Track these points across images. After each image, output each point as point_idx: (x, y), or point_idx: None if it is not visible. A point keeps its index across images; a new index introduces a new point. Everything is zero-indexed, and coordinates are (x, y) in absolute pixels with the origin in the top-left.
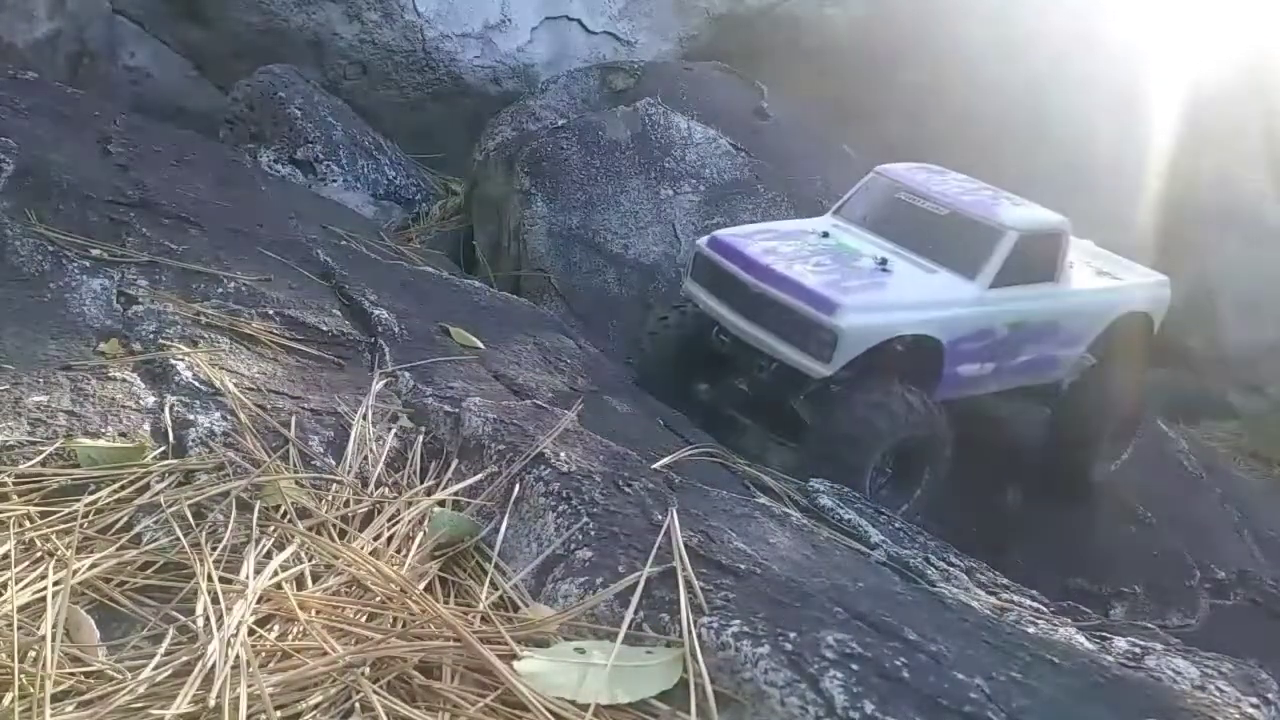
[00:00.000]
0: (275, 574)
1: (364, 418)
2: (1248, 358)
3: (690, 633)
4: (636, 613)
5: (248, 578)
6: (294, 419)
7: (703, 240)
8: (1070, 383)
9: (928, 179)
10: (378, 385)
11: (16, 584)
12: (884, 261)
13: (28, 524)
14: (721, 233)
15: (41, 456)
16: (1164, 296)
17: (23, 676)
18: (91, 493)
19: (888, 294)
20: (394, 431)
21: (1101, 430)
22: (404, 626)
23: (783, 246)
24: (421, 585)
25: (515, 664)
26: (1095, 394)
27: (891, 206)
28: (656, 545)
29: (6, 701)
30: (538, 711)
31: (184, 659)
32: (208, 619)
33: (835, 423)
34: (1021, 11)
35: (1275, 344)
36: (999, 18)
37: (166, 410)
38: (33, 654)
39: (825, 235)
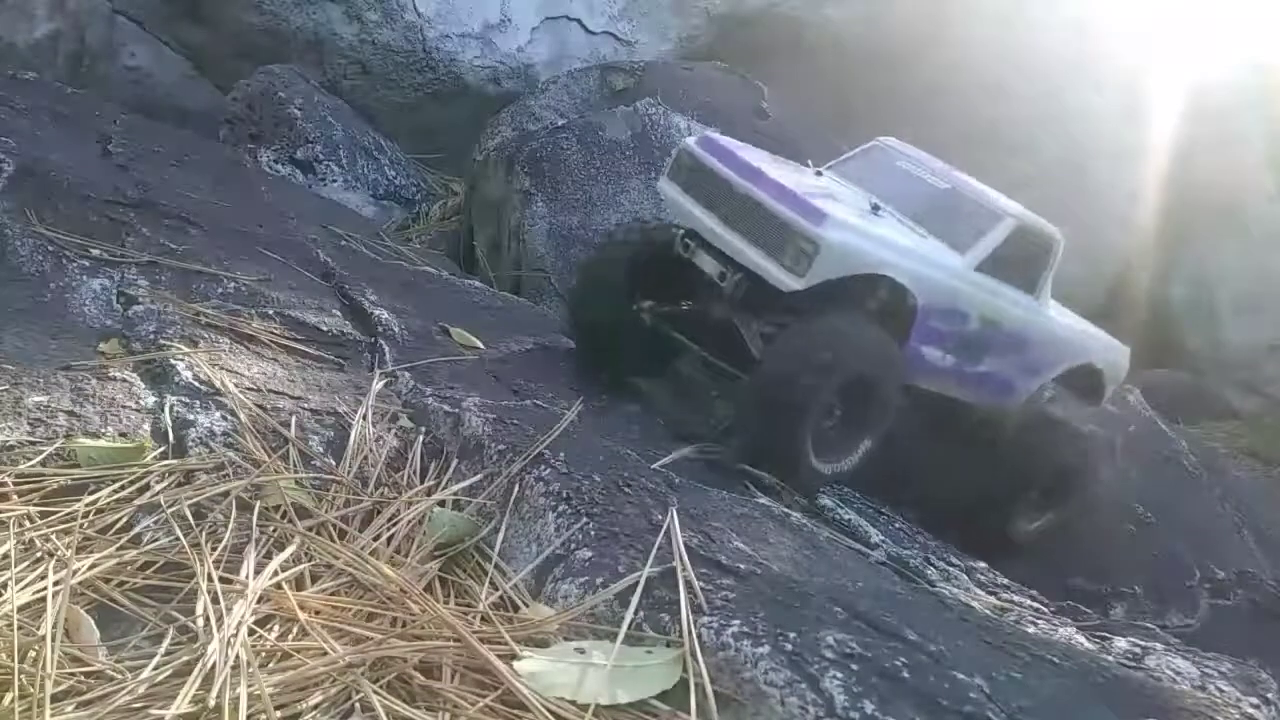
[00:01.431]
0: (275, 574)
1: (364, 418)
2: (1248, 358)
3: (690, 633)
4: (636, 613)
5: (248, 578)
6: (294, 419)
7: (692, 139)
8: (1016, 422)
9: (930, 157)
10: (378, 385)
11: (16, 584)
12: (876, 207)
13: (28, 524)
14: (715, 135)
15: (41, 456)
16: (1122, 364)
17: (23, 676)
18: (91, 493)
19: (876, 229)
20: (394, 431)
21: (1032, 481)
22: (404, 626)
23: (777, 164)
24: (421, 585)
25: (515, 664)
26: (1037, 439)
27: (890, 173)
28: (656, 545)
29: (6, 701)
30: (538, 711)
31: (184, 659)
32: (208, 619)
33: (787, 347)
34: (1023, 13)
35: (1275, 344)
36: (1000, 18)
37: (166, 410)
38: (33, 654)
39: (819, 174)
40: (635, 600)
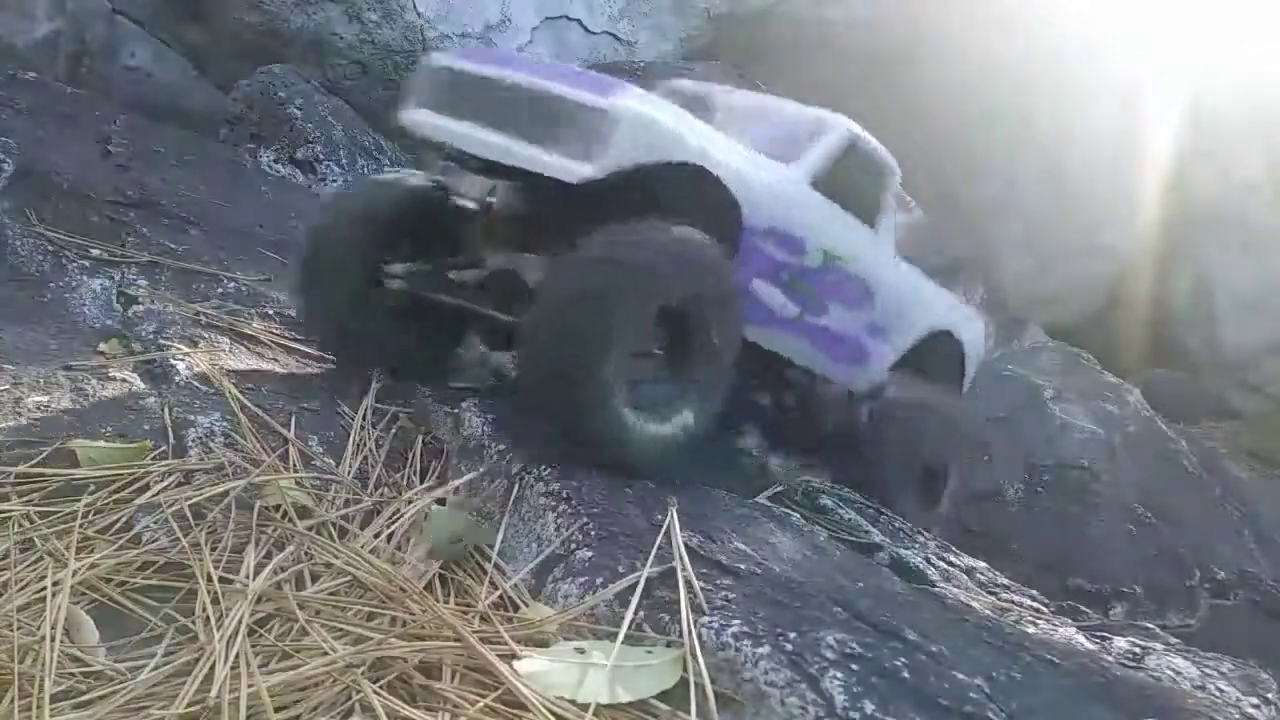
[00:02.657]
0: (275, 574)
1: (364, 418)
2: (1247, 358)
3: (690, 633)
4: (636, 612)
5: (247, 578)
6: (293, 419)
7: (438, 54)
8: (872, 409)
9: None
10: (377, 385)
11: (16, 584)
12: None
13: (27, 524)
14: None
15: (42, 456)
16: (982, 339)
17: (22, 677)
18: (91, 493)
19: (685, 116)
20: (394, 432)
21: (906, 480)
22: (404, 626)
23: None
24: (421, 585)
25: (516, 664)
26: (900, 432)
27: (708, 97)
28: (656, 545)
29: (6, 702)
30: (538, 711)
31: (184, 659)
32: (208, 619)
33: (582, 257)
34: (1023, 15)
35: (1274, 344)
36: (1000, 21)
37: (166, 410)
38: (32, 654)
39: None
40: (635, 600)
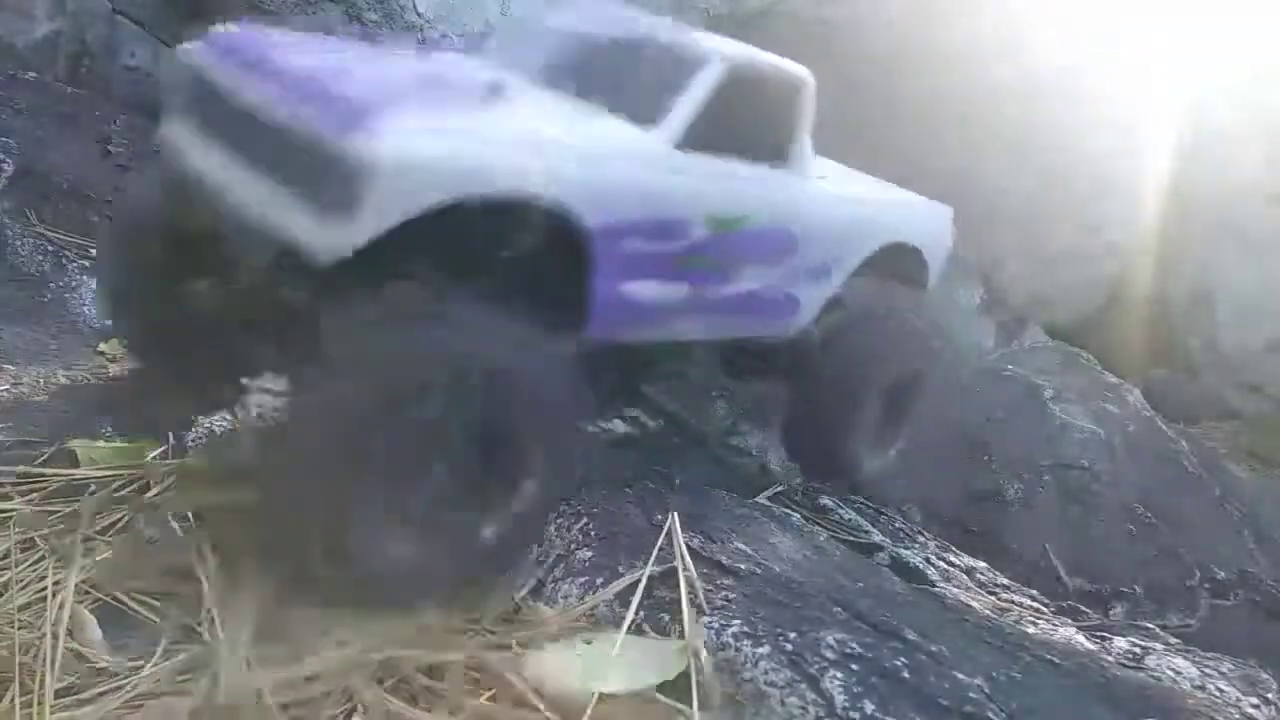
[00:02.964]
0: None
1: None
2: (1248, 358)
3: (690, 628)
4: (637, 612)
5: (248, 578)
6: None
7: (191, 44)
8: (818, 339)
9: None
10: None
11: (18, 583)
12: (498, 86)
13: (28, 524)
14: (238, 27)
15: (43, 457)
16: (943, 232)
17: (24, 672)
18: (91, 493)
19: (485, 119)
20: None
21: (859, 410)
22: (407, 626)
23: (333, 47)
24: None
25: (521, 656)
26: (855, 360)
27: (541, 38)
28: (657, 545)
29: (7, 700)
30: (541, 706)
31: (186, 658)
32: (210, 619)
33: (339, 360)
34: (1024, 16)
35: (1275, 344)
36: (1001, 21)
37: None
38: (34, 651)
39: (422, 52)
40: (636, 600)
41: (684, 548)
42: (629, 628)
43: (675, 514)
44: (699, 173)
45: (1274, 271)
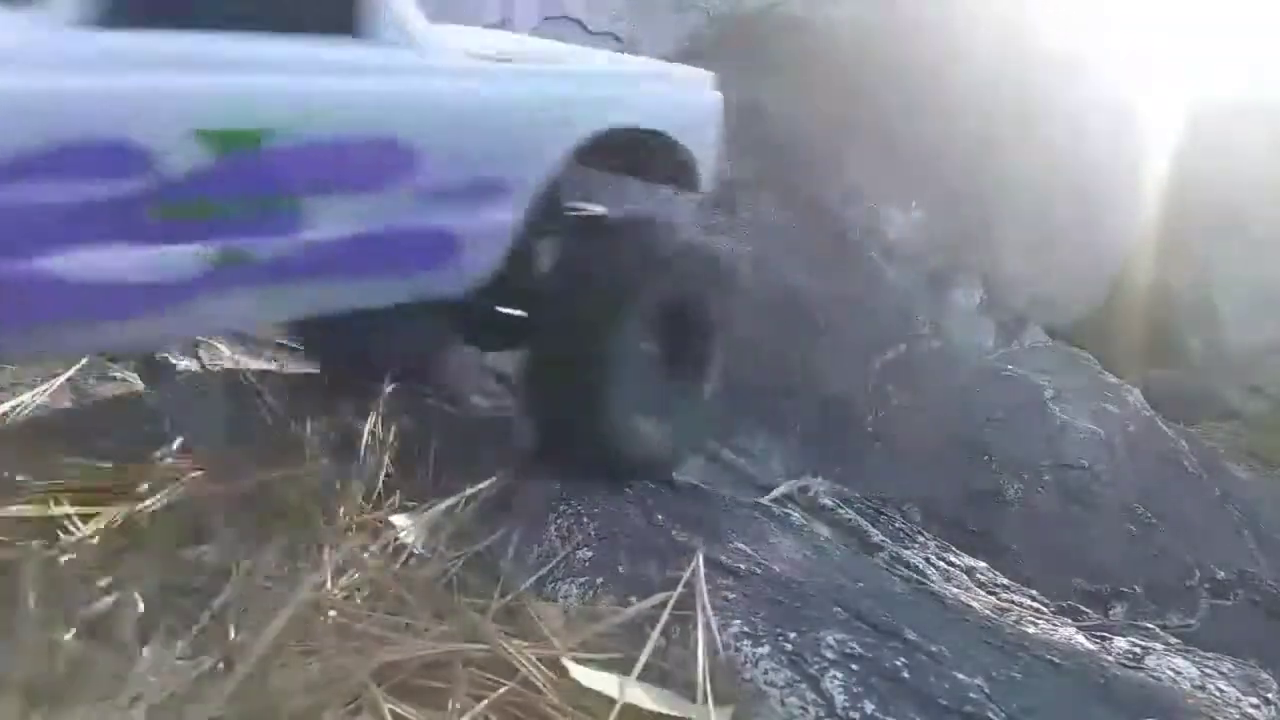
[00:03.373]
0: (279, 575)
1: (367, 418)
2: (1248, 358)
3: (701, 640)
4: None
5: (249, 578)
6: (295, 419)
7: None
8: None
9: None
10: (386, 387)
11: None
12: None
13: (28, 524)
14: None
15: (45, 457)
16: (708, 116)
17: (32, 674)
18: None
19: None
20: (394, 432)
21: (615, 363)
22: (413, 628)
23: None
24: (429, 587)
25: (565, 663)
26: (593, 290)
27: None
28: (659, 547)
29: (11, 700)
30: (549, 712)
31: (188, 659)
32: (212, 619)
33: None
34: (1024, 16)
35: (1275, 344)
36: (1002, 22)
37: (167, 410)
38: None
39: None
40: (657, 631)
41: (706, 600)
42: (639, 671)
43: (675, 514)
44: (144, 62)
45: (1275, 272)
